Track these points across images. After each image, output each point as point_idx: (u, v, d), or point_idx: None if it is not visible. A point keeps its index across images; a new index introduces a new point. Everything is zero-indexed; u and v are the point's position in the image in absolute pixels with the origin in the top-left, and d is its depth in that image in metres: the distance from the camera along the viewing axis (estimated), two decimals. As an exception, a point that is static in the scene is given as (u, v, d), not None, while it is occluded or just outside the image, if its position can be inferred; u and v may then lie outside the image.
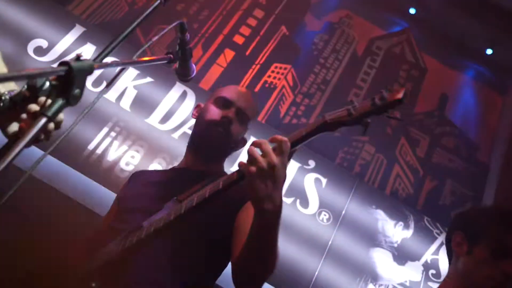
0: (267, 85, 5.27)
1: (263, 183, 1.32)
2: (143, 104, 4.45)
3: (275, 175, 1.32)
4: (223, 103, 2.02)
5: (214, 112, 2.01)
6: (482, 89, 6.00)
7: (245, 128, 2.06)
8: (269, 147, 1.34)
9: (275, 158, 1.32)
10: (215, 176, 1.84)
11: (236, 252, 1.60)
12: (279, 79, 5.34)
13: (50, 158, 3.88)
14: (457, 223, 2.02)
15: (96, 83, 4.30)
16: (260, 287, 1.59)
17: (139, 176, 2.18)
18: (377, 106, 1.33)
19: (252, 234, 1.45)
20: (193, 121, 4.45)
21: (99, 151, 4.16)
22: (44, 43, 4.49)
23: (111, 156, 4.17)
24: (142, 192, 1.99)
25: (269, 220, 1.40)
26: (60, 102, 1.04)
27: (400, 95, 1.32)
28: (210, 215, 1.65)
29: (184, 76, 1.73)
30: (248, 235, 1.47)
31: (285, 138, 1.35)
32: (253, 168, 1.32)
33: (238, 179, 1.42)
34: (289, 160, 1.37)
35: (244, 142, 2.11)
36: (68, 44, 4.53)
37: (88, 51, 4.50)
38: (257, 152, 1.35)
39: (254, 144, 1.36)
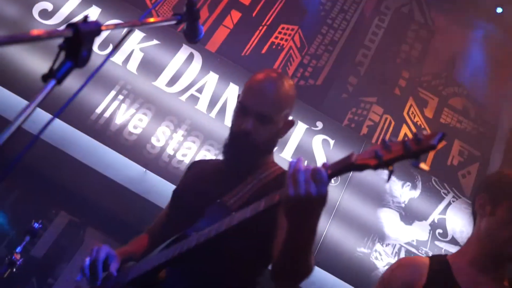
0: (274, 47, 5.23)
1: (297, 208, 1.35)
2: (150, 67, 4.44)
3: (309, 205, 1.34)
4: (241, 110, 1.95)
5: (235, 122, 1.97)
6: (491, 48, 5.92)
7: (276, 126, 1.95)
8: (309, 174, 1.33)
9: (313, 188, 1.31)
10: (261, 172, 1.91)
11: (275, 252, 1.67)
12: (286, 40, 5.28)
13: (58, 122, 3.89)
14: (482, 186, 2.03)
15: (103, 46, 4.28)
16: (294, 286, 1.69)
17: (194, 167, 2.21)
18: (410, 151, 1.23)
19: (285, 244, 1.51)
20: (201, 83, 4.46)
21: (107, 114, 4.17)
22: (49, 6, 4.46)
23: (119, 119, 4.18)
24: (193, 187, 2.02)
25: (299, 238, 1.46)
26: (68, 64, 1.04)
27: (436, 141, 1.20)
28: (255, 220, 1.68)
29: (192, 37, 1.71)
30: (283, 241, 1.52)
31: (322, 170, 1.33)
32: (291, 193, 1.33)
33: (278, 203, 1.43)
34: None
35: (290, 124, 2.03)
36: (73, 7, 4.49)
37: (93, 13, 4.46)
38: (299, 174, 1.33)
39: (295, 166, 1.36)
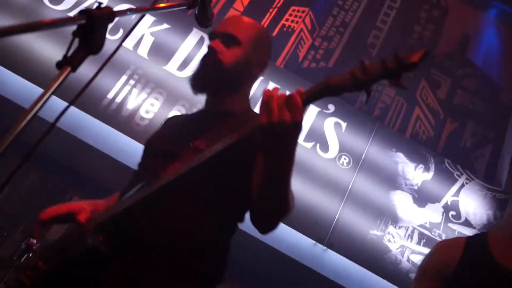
0: (285, 29, 5.19)
1: (271, 136, 1.32)
2: (160, 52, 4.43)
3: (284, 132, 1.30)
4: (210, 38, 1.94)
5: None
6: (505, 28, 5.84)
7: (242, 51, 1.90)
8: (282, 100, 1.29)
9: (286, 114, 1.27)
10: (238, 115, 1.85)
11: (253, 191, 1.62)
12: (297, 22, 5.24)
13: (71, 108, 3.90)
14: None
15: (113, 30, 4.28)
16: (275, 227, 1.61)
17: (169, 120, 2.15)
18: (389, 70, 1.17)
19: (262, 178, 1.47)
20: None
21: (118, 99, 4.18)
22: (59, -9, 4.46)
23: (130, 104, 4.19)
24: (165, 134, 1.98)
25: (275, 170, 1.41)
26: (82, 51, 1.04)
27: (416, 58, 1.15)
28: (231, 158, 1.63)
29: (204, 22, 1.70)
30: (260, 177, 1.48)
31: (296, 95, 1.29)
32: (264, 120, 1.30)
33: (251, 133, 1.39)
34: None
35: (262, 63, 1.98)
36: (83, -8, 4.49)
37: (103, -2, 4.45)
38: (272, 101, 1.30)
39: (268, 93, 1.32)
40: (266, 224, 1.62)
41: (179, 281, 1.58)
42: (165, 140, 1.90)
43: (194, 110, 4.16)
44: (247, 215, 1.71)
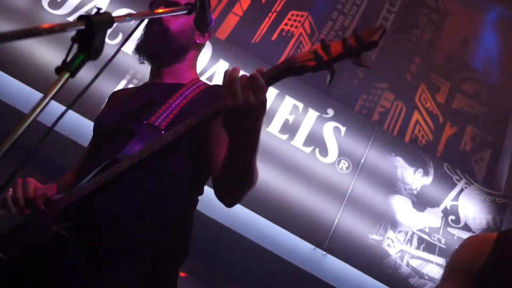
0: (284, 34, 5.20)
1: (236, 118, 1.31)
2: (159, 56, 4.42)
3: (250, 112, 1.29)
4: (154, 4, 1.94)
5: None
6: (504, 32, 5.85)
7: (188, 19, 1.87)
8: (245, 81, 1.27)
9: (251, 96, 1.26)
10: (185, 89, 1.83)
11: (215, 164, 1.62)
12: (296, 27, 5.25)
13: (70, 112, 3.90)
14: None
15: (113, 35, 4.28)
16: (239, 201, 1.62)
17: (114, 95, 2.13)
18: (351, 48, 1.17)
19: (227, 157, 1.47)
20: (211, 72, 4.44)
21: (117, 104, 4.17)
22: (58, -4, 4.45)
23: (130, 109, 4.18)
24: (115, 111, 1.94)
25: (242, 148, 1.41)
26: (81, 56, 1.04)
27: (376, 37, 1.15)
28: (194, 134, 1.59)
29: (202, 27, 1.71)
30: (225, 154, 1.47)
31: (258, 76, 1.27)
32: (228, 103, 1.28)
33: (215, 115, 1.37)
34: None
35: (206, 34, 1.99)
36: (83, -4, 4.49)
37: (102, 3, 4.45)
38: (235, 83, 1.28)
39: (230, 75, 1.30)
40: (230, 198, 1.64)
41: (144, 256, 1.57)
42: (116, 117, 1.86)
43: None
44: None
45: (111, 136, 1.76)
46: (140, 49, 1.92)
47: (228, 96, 1.28)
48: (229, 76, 1.30)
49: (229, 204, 1.65)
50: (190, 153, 1.71)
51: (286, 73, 1.28)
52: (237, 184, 1.56)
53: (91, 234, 1.53)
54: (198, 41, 1.97)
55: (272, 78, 1.28)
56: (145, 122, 1.69)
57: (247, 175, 1.51)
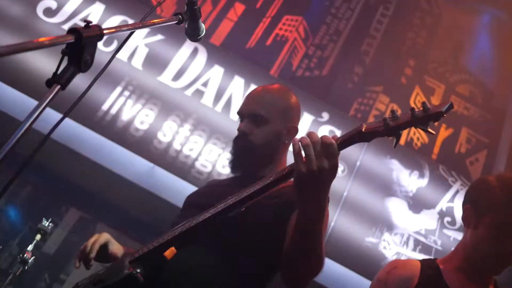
0: (278, 38, 5.22)
1: (308, 184, 1.33)
2: (155, 62, 4.45)
3: (322, 179, 1.32)
4: (240, 119, 2.04)
5: None
6: (498, 34, 5.88)
7: (271, 127, 1.97)
8: (319, 148, 1.31)
9: (325, 162, 1.29)
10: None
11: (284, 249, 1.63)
12: (290, 31, 5.28)
13: (65, 120, 3.92)
14: (468, 196, 2.00)
15: (107, 42, 4.30)
16: (306, 282, 1.62)
17: (210, 182, 2.26)
18: (418, 118, 1.24)
19: (296, 230, 1.48)
20: (206, 77, 4.46)
21: (113, 111, 4.19)
22: (53, 4, 4.47)
23: (125, 115, 4.20)
24: (205, 191, 2.09)
25: (311, 218, 1.41)
26: (71, 69, 1.06)
27: (443, 108, 1.22)
28: (264, 214, 1.69)
29: (193, 36, 1.72)
30: (293, 231, 1.49)
31: (333, 141, 1.31)
32: (303, 169, 1.31)
33: (287, 174, 1.42)
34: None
35: (293, 130, 2.03)
36: (77, 4, 4.50)
37: (97, 10, 4.47)
38: (308, 149, 1.31)
39: (303, 141, 1.33)
40: (295, 279, 1.62)
41: None
42: (203, 195, 2.01)
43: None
44: None
45: (194, 209, 1.83)
46: (232, 165, 2.02)
47: (301, 162, 1.31)
48: (303, 142, 1.33)
49: (293, 285, 1.65)
50: (259, 235, 1.74)
51: (356, 138, 1.33)
52: (300, 264, 1.55)
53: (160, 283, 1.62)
54: (286, 142, 2.02)
55: (344, 143, 1.33)
56: (229, 197, 1.73)
57: (314, 252, 1.50)
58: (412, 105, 5.13)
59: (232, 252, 1.72)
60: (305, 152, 1.31)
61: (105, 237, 1.87)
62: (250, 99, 2.05)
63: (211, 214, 1.56)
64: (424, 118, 1.24)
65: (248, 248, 1.73)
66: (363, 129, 1.31)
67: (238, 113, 2.03)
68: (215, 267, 1.71)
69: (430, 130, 1.24)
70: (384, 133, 1.28)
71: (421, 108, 1.24)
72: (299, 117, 2.12)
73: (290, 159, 2.03)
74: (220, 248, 1.71)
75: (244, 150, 1.97)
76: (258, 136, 1.95)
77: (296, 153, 1.33)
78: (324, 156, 1.30)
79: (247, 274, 1.75)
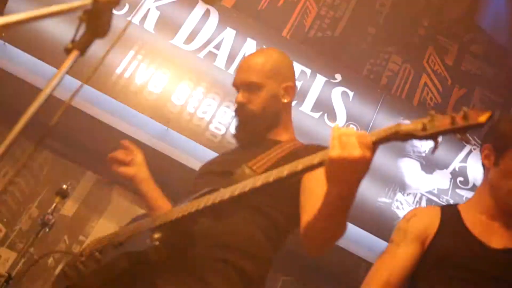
0: (290, -1, 5.16)
1: (338, 169, 1.36)
2: (167, 25, 4.44)
3: (352, 166, 1.34)
4: (236, 91, 2.08)
5: None
6: (514, -9, 5.76)
7: (266, 91, 2.00)
8: (354, 139, 1.33)
9: (357, 150, 1.32)
10: (285, 144, 1.97)
11: (306, 216, 1.68)
12: (302, -9, 5.21)
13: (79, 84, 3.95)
14: (487, 136, 2.01)
15: (119, 6, 4.29)
16: (324, 252, 1.69)
17: (221, 153, 2.33)
18: (457, 126, 1.22)
19: (320, 206, 1.52)
20: (218, 40, 4.45)
21: (127, 74, 4.21)
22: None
23: (139, 79, 4.23)
24: (219, 160, 2.16)
25: (335, 202, 1.47)
26: (89, 35, 1.08)
27: (484, 119, 1.19)
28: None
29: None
30: (320, 207, 1.52)
31: (366, 134, 1.35)
32: (335, 153, 1.33)
33: (318, 165, 1.44)
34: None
35: (290, 90, 2.07)
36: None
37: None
38: (346, 137, 1.34)
39: (341, 132, 1.36)
40: (316, 248, 1.69)
41: (230, 277, 1.71)
42: (220, 163, 2.07)
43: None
44: None
45: (214, 177, 1.93)
46: (239, 137, 2.09)
47: (336, 148, 1.34)
48: (339, 130, 1.37)
49: (318, 253, 1.70)
50: (282, 200, 1.83)
51: (392, 137, 1.33)
52: (326, 237, 1.62)
53: (180, 258, 1.67)
54: (285, 101, 2.06)
55: (379, 139, 1.34)
56: (244, 165, 1.80)
57: (337, 228, 1.57)
58: (426, 66, 5.10)
59: (258, 214, 1.82)
60: (340, 139, 1.34)
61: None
62: (239, 70, 2.09)
63: (239, 192, 1.56)
64: (464, 127, 1.22)
65: (274, 204, 1.83)
66: (400, 130, 1.31)
67: (233, 85, 2.08)
68: (241, 229, 1.80)
69: (467, 139, 1.24)
70: (420, 137, 1.28)
71: (462, 116, 1.22)
72: (292, 73, 2.14)
73: (295, 125, 2.10)
74: (245, 211, 1.79)
75: (247, 120, 2.02)
76: (256, 103, 2.00)
77: (333, 138, 1.36)
78: (358, 145, 1.33)
79: (275, 227, 1.84)
